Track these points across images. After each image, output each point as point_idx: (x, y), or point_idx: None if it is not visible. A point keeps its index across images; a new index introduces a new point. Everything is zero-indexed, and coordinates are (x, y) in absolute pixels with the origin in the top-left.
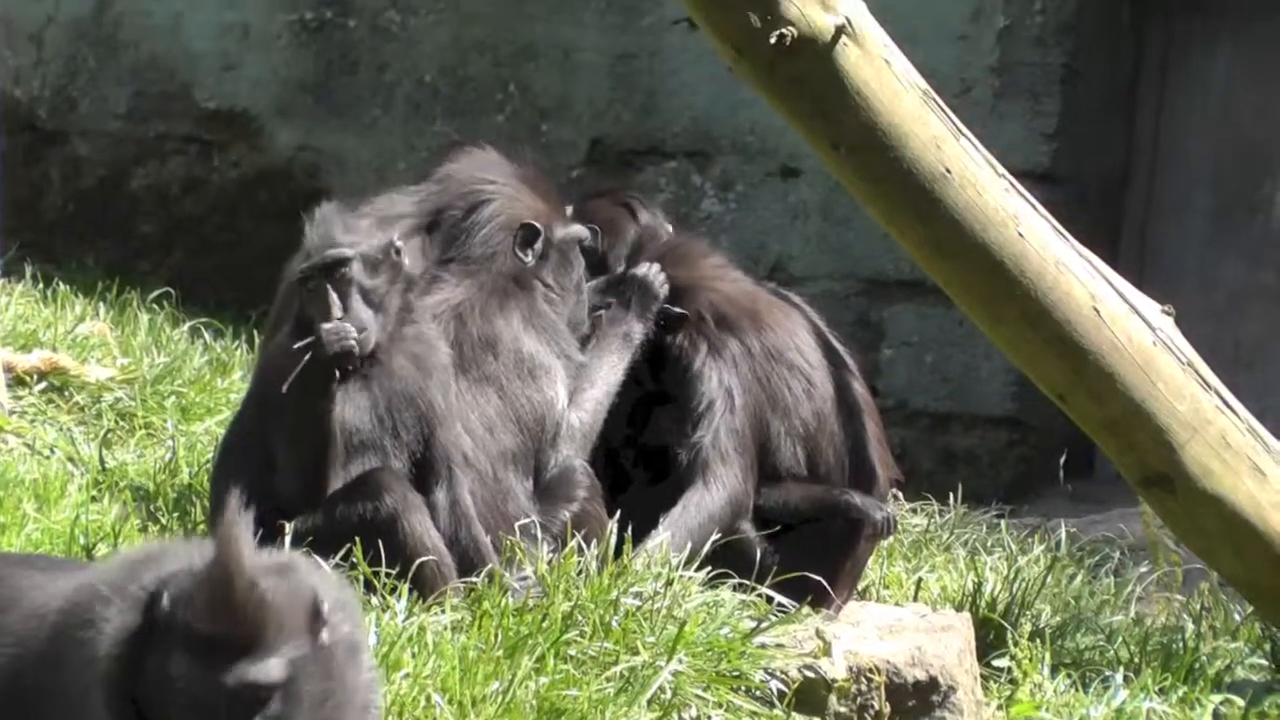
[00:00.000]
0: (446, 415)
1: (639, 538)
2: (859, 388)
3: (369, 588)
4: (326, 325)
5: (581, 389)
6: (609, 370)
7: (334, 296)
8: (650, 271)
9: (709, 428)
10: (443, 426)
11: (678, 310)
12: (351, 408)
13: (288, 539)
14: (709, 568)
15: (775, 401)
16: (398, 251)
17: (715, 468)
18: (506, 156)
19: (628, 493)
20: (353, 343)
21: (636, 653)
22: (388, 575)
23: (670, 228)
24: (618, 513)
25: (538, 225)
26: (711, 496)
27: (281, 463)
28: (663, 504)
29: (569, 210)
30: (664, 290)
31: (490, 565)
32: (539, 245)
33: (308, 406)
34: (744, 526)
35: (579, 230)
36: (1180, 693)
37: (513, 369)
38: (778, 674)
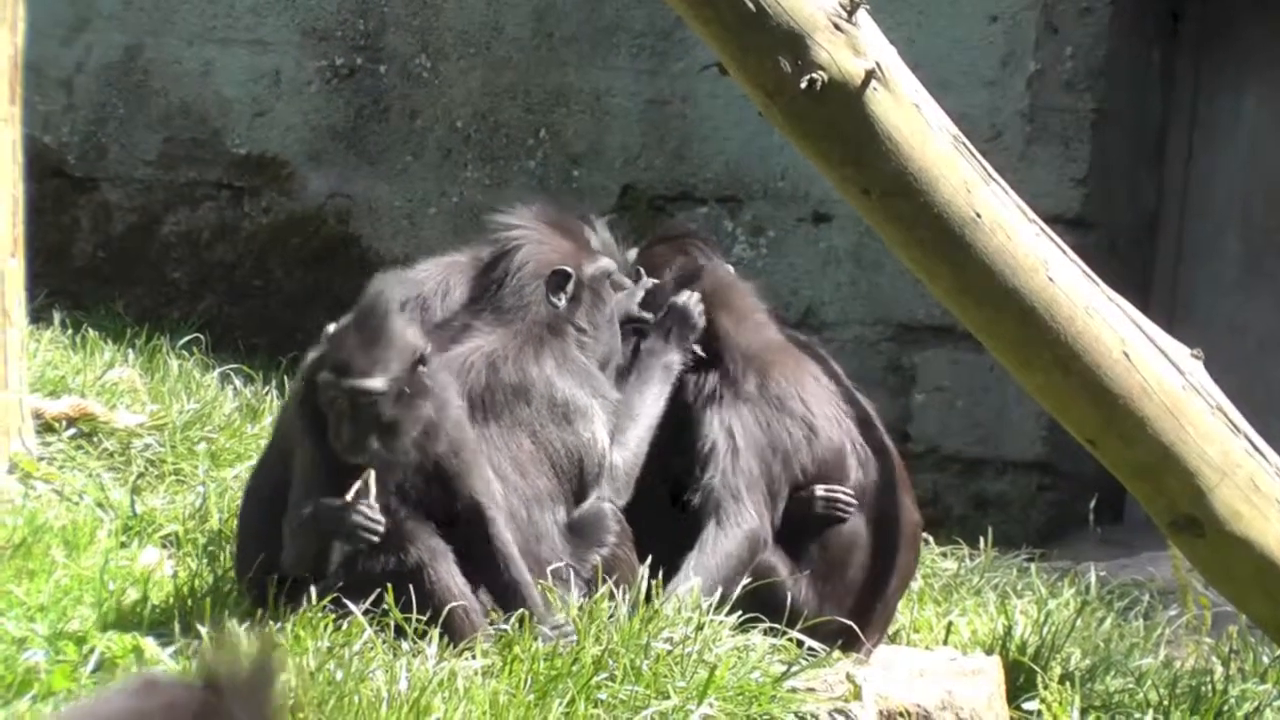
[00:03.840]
0: (471, 465)
1: (655, 572)
2: (881, 438)
3: (399, 633)
4: (356, 517)
5: (624, 426)
6: (651, 404)
7: (351, 429)
8: (690, 301)
9: (716, 468)
10: (470, 476)
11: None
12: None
13: (312, 592)
14: (739, 612)
15: (775, 446)
16: (423, 360)
17: (728, 506)
18: (541, 200)
19: (645, 529)
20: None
21: (667, 697)
22: (418, 621)
23: (731, 270)
24: (649, 557)
25: (568, 269)
26: (727, 536)
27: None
28: (681, 545)
29: (631, 251)
30: (702, 320)
31: (529, 608)
32: (570, 287)
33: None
34: (773, 561)
35: (606, 264)
36: None
37: (546, 414)
38: (808, 718)
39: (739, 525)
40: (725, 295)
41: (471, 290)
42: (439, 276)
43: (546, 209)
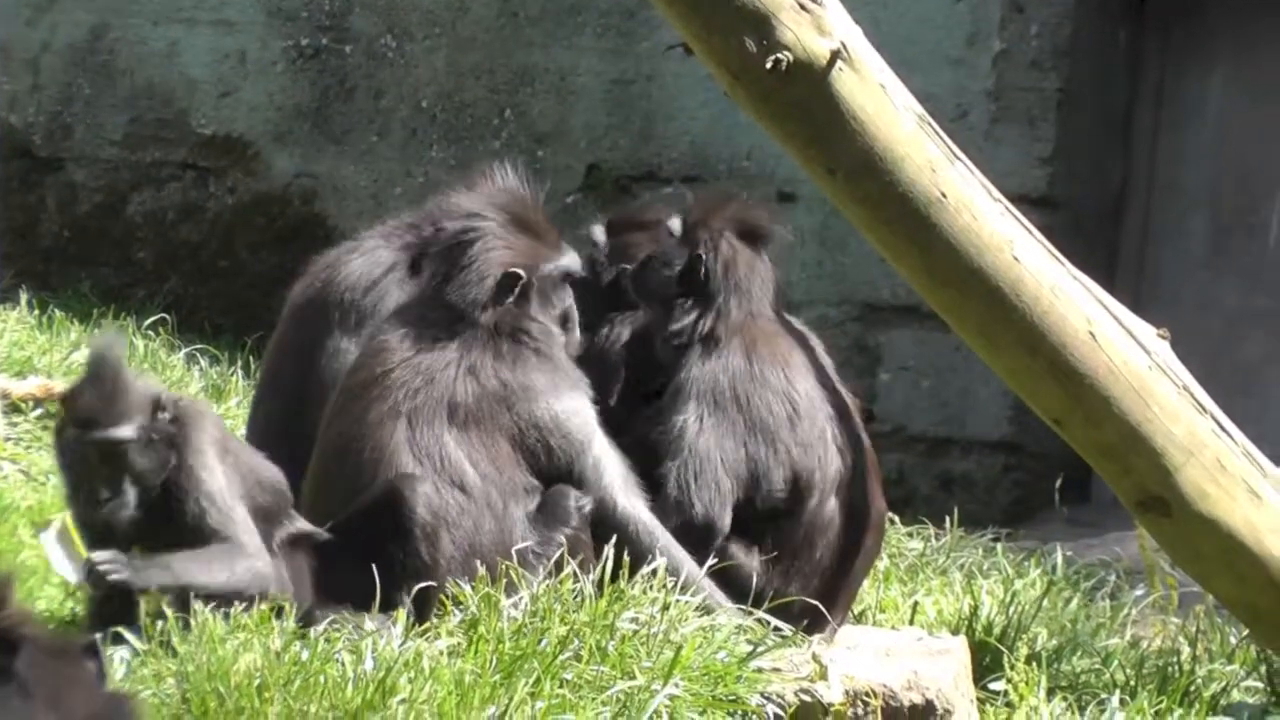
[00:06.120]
0: (212, 505)
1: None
2: (855, 426)
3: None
4: (98, 558)
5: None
6: None
7: (102, 483)
8: None
9: (679, 457)
10: (211, 516)
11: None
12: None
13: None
14: (704, 594)
15: (753, 423)
16: (161, 406)
17: (671, 496)
18: (506, 184)
19: None
20: (121, 577)
21: (633, 677)
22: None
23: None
24: (614, 537)
25: (519, 272)
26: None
27: None
28: None
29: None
30: None
31: None
32: (519, 289)
33: None
34: (735, 551)
35: (565, 262)
36: (1176, 716)
37: (526, 420)
38: (774, 698)
39: (676, 516)
40: (737, 268)
41: (429, 273)
42: (388, 257)
43: (511, 197)
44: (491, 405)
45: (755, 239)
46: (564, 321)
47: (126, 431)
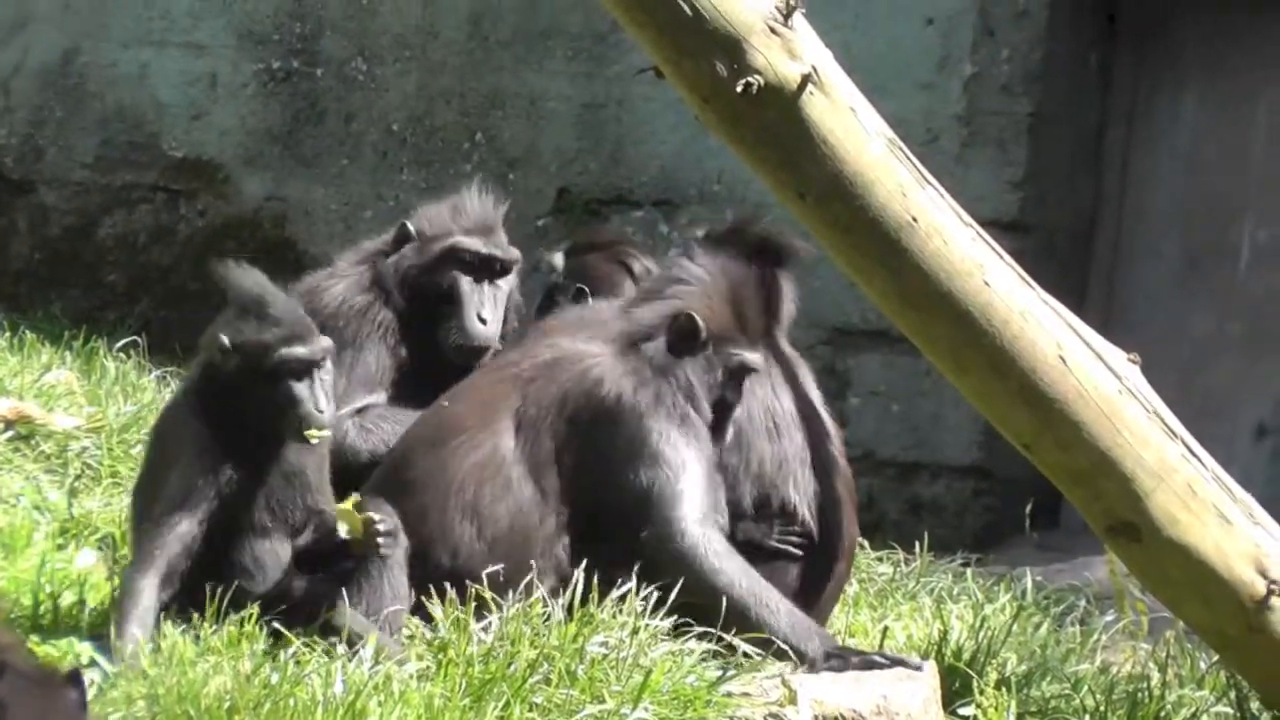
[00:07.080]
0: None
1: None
2: (835, 452)
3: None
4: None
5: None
6: None
7: (316, 397)
8: None
9: None
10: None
11: None
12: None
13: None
14: (675, 616)
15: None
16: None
17: None
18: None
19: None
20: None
21: (602, 701)
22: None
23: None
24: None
25: (700, 322)
26: None
27: None
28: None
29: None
30: None
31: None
32: (691, 340)
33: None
34: None
35: (752, 360)
36: None
37: (609, 446)
38: None
39: None
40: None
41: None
42: (362, 284)
43: (744, 278)
44: (586, 414)
45: (775, 258)
46: (716, 408)
47: (329, 343)
